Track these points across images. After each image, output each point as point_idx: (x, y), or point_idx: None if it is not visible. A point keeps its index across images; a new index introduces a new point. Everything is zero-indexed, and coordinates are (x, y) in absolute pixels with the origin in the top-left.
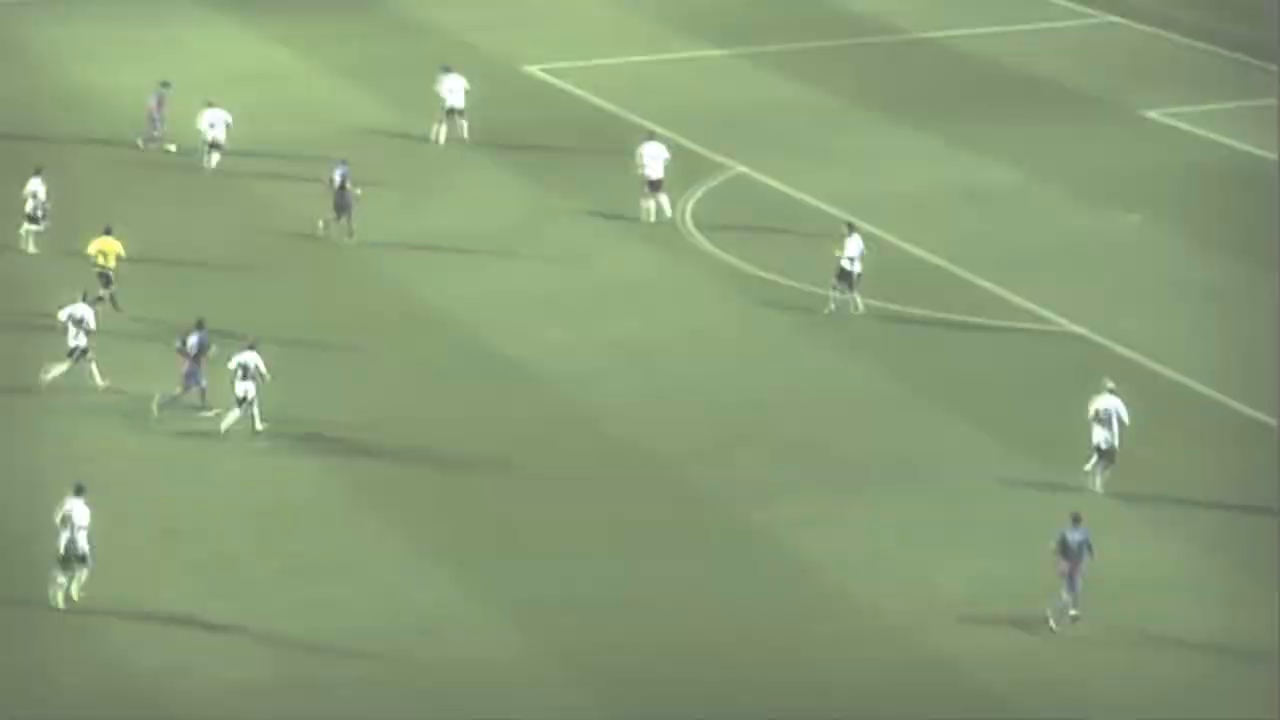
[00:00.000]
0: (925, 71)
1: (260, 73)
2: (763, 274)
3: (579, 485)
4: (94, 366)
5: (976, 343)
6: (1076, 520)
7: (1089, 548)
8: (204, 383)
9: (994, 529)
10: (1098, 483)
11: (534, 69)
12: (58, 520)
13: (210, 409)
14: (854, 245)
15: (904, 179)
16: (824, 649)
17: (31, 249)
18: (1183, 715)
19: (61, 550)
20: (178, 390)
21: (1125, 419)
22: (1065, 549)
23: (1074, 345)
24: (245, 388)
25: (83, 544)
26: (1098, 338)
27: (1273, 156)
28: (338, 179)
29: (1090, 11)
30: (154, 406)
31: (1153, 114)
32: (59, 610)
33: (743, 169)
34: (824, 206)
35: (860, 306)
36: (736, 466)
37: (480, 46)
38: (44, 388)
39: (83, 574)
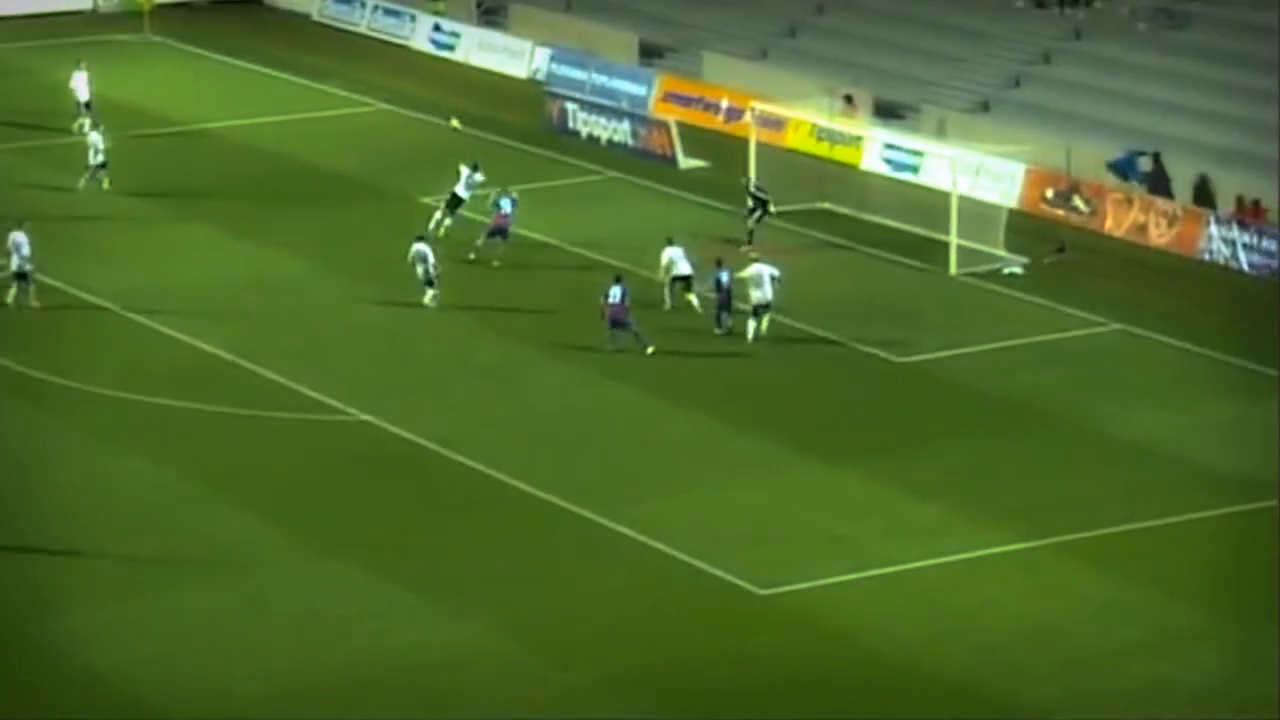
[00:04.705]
0: (205, 163)
1: None
2: (54, 380)
3: None
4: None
5: (267, 435)
6: (720, 263)
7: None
8: (632, 324)
9: (290, 624)
10: (755, 331)
11: None
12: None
13: (649, 346)
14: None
15: (188, 273)
16: None
17: None
18: None
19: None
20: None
21: (777, 275)
22: (718, 286)
23: (364, 433)
24: None
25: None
26: (388, 425)
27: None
28: (505, 208)
29: (367, 100)
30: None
31: (429, 200)
32: None
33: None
34: (105, 304)
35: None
36: (20, 580)
37: None
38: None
39: None
